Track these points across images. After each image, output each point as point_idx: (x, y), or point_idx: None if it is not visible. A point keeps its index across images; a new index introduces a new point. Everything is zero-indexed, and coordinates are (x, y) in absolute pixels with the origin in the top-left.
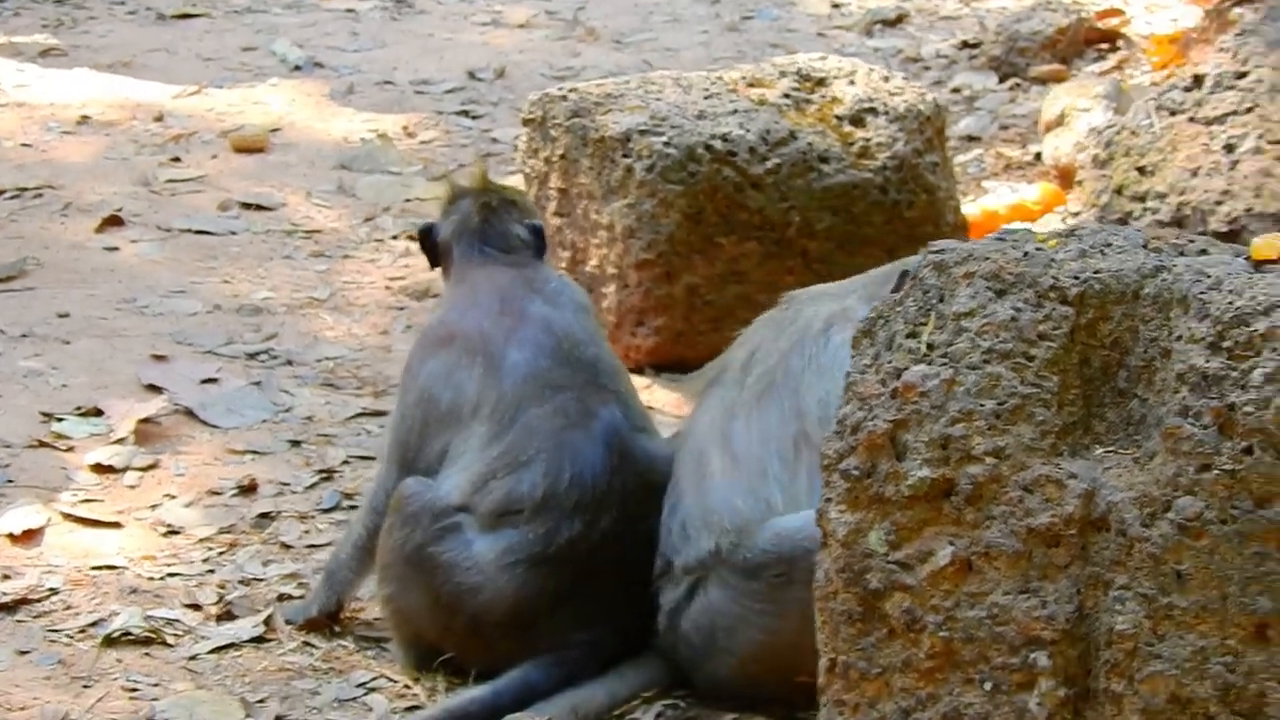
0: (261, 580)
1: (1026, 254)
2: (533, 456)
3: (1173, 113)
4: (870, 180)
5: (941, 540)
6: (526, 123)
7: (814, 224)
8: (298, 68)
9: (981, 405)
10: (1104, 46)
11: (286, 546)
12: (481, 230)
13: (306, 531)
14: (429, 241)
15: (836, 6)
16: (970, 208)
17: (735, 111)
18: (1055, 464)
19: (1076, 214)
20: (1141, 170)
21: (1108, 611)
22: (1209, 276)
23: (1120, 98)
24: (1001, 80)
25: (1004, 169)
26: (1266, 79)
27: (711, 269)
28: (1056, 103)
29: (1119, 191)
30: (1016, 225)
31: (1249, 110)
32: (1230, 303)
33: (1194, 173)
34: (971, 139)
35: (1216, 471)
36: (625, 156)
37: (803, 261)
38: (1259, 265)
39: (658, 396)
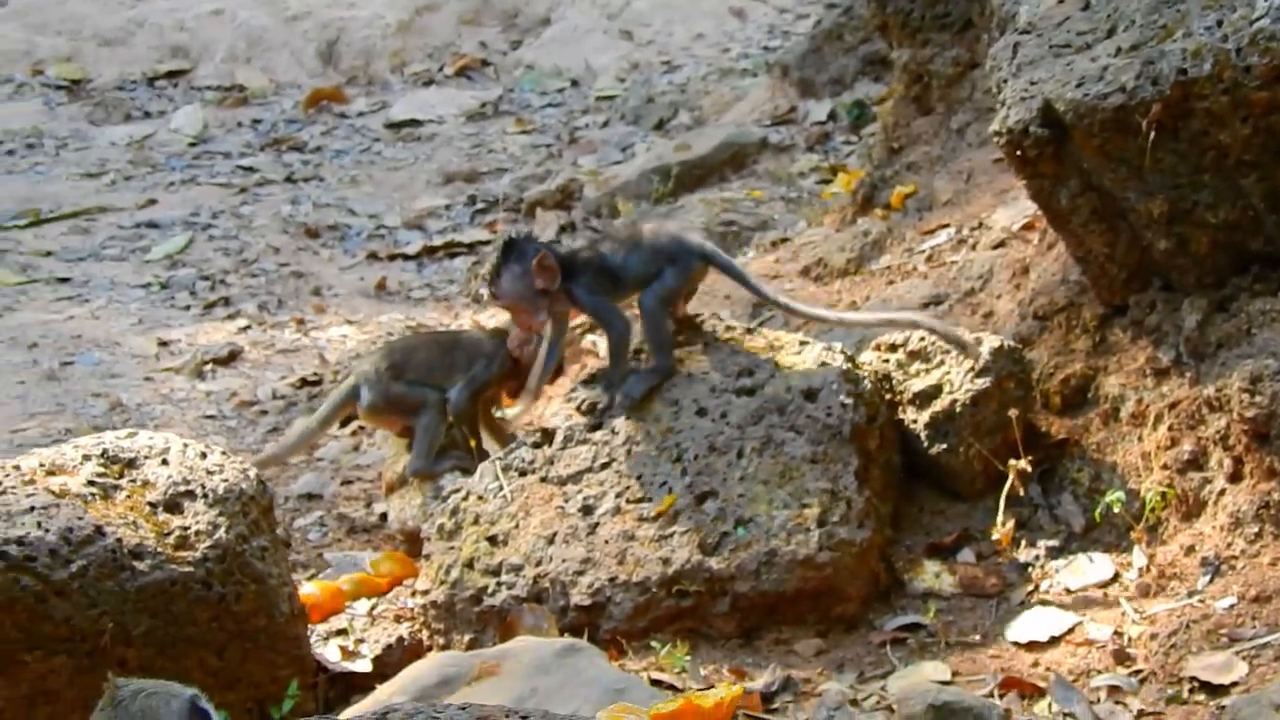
0: None
1: None
2: None
3: (523, 473)
4: (190, 574)
5: None
6: None
7: (130, 629)
8: None
9: None
10: None
11: None
12: None
13: None
14: None
15: (164, 345)
16: (308, 587)
17: (32, 509)
18: None
19: (425, 592)
20: (493, 540)
21: None
22: None
23: None
24: (343, 425)
25: (347, 533)
26: (622, 429)
27: (15, 691)
28: (400, 459)
29: (470, 565)
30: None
31: (605, 466)
32: None
33: (550, 540)
34: (312, 498)
35: None
36: None
37: (122, 672)
38: None
39: None
